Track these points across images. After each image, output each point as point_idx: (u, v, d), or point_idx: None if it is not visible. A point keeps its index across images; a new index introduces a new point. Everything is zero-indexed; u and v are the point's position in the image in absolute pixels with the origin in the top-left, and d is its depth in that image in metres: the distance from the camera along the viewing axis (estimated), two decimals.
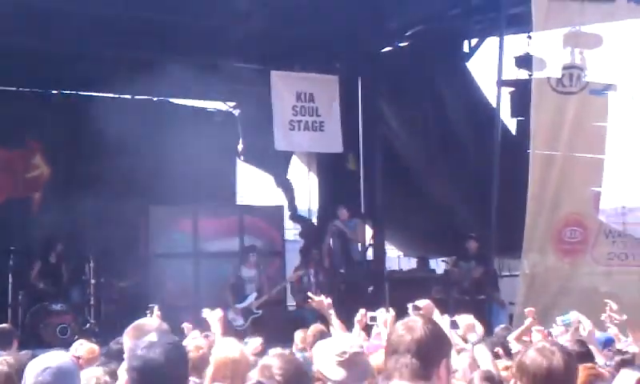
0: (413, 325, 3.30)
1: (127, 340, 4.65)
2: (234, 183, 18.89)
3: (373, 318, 7.00)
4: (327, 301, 7.46)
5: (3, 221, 15.30)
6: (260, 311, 13.25)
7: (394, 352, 3.26)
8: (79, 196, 15.43)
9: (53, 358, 3.97)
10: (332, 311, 7.27)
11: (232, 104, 18.94)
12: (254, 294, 13.39)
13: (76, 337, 11.54)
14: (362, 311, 7.56)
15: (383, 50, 15.62)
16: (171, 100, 18.31)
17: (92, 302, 13.58)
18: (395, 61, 15.26)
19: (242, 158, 18.85)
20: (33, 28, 12.79)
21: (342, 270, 15.06)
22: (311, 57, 15.27)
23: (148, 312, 8.39)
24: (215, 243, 15.05)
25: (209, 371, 5.12)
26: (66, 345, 8.71)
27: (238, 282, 13.65)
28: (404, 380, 3.21)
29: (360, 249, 15.63)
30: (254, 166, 18.79)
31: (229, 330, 9.93)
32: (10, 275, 13.18)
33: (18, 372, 4.44)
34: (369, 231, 15.85)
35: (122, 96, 17.71)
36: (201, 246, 15.17)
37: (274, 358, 4.54)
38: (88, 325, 13.30)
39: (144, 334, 4.44)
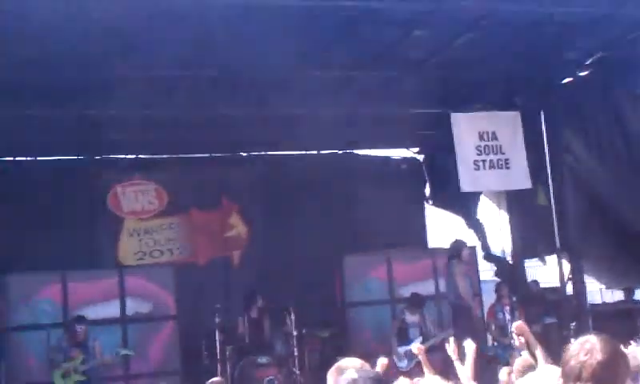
0: (591, 347, 3.03)
1: (330, 380, 4.89)
2: (424, 227, 19.04)
3: None
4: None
5: (208, 281, 16.20)
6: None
7: (577, 379, 2.99)
8: (275, 251, 16.21)
9: None
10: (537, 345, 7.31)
11: (415, 150, 19.18)
12: (419, 338, 13.31)
13: None
14: None
15: (563, 81, 15.28)
16: (356, 152, 18.75)
17: (296, 354, 13.97)
18: (576, 90, 14.91)
19: (430, 202, 19.00)
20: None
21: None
22: (490, 94, 15.20)
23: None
24: (410, 288, 15.10)
25: None
26: None
27: (402, 326, 13.81)
28: None
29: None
30: (443, 209, 18.86)
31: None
32: (216, 332, 13.73)
33: None
34: (566, 266, 15.48)
35: (308, 152, 18.38)
36: (396, 292, 15.34)
37: None
38: (293, 376, 13.68)
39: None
